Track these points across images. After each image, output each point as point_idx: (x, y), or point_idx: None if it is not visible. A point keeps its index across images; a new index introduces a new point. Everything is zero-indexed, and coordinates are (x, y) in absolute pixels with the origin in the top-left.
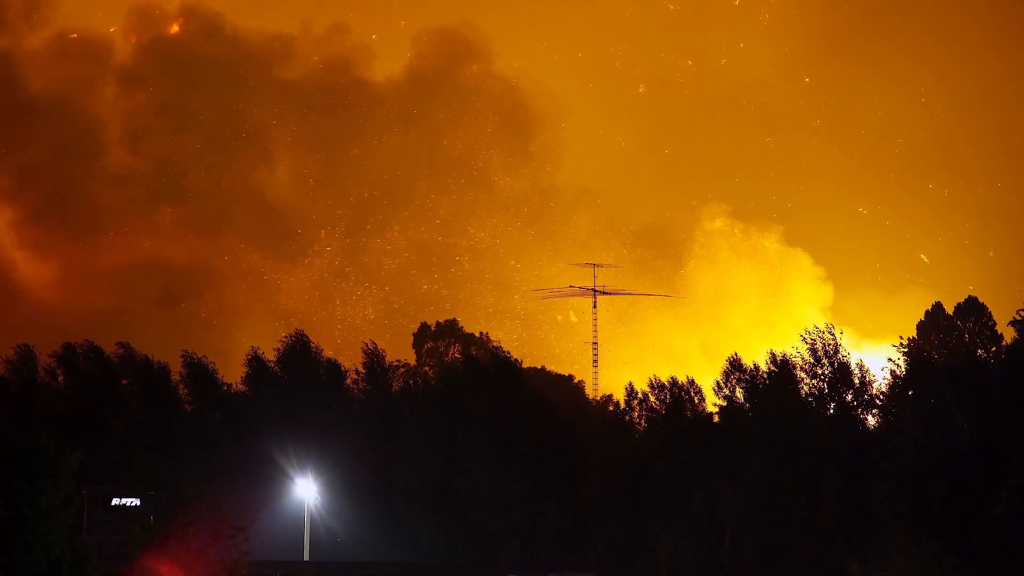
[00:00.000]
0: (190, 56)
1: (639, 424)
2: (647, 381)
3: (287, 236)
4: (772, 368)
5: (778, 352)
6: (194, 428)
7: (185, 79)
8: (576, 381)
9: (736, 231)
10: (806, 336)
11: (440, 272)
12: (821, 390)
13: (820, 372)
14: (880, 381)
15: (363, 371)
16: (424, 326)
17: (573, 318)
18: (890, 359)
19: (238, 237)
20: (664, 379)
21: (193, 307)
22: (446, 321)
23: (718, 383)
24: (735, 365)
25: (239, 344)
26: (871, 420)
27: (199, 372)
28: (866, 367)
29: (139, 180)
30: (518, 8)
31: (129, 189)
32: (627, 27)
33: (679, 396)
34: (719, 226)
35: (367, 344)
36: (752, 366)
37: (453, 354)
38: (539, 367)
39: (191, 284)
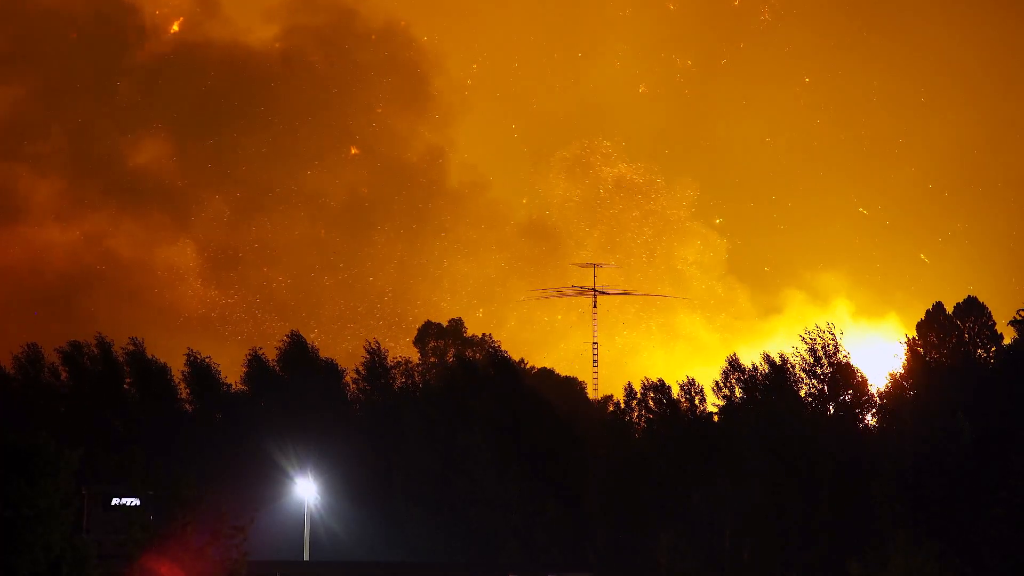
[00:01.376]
0: (58, 37)
1: (639, 424)
2: (645, 381)
3: (174, 216)
4: (769, 369)
5: (775, 353)
6: (194, 428)
7: (55, 61)
8: (580, 383)
9: (735, 229)
10: (806, 336)
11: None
12: (821, 390)
13: (820, 372)
14: (876, 381)
15: (363, 371)
16: (428, 324)
17: (573, 318)
18: (896, 356)
19: (124, 223)
20: (663, 379)
21: (84, 298)
22: (451, 321)
23: (717, 383)
24: (734, 365)
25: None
26: (871, 420)
27: (200, 372)
28: (862, 372)
29: (14, 172)
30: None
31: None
32: (627, 27)
33: (678, 396)
34: (718, 223)
35: (369, 343)
36: (751, 366)
37: (453, 355)
38: (546, 369)
39: (80, 276)
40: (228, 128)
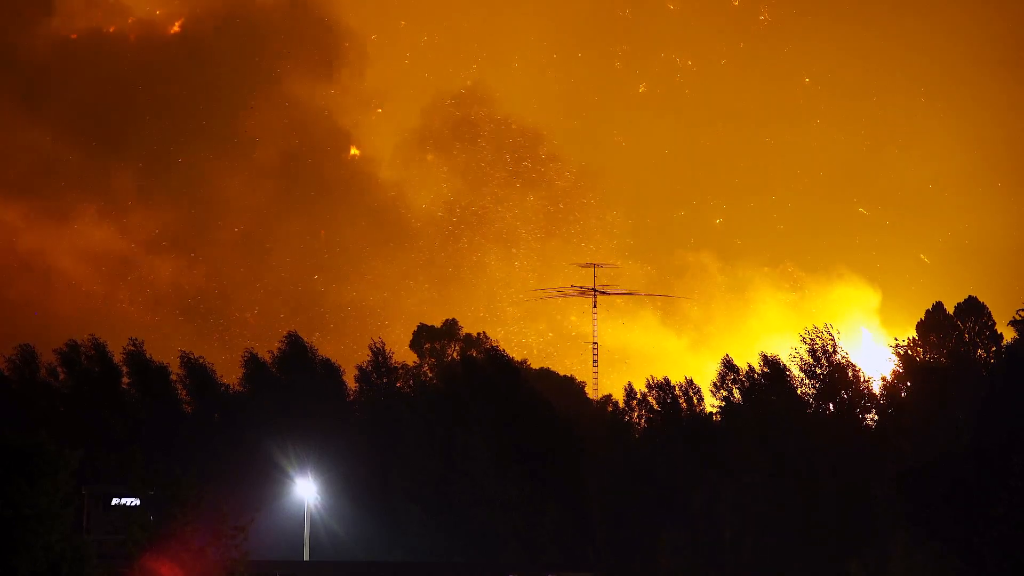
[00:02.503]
0: None
1: (639, 424)
2: (646, 381)
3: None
4: (765, 369)
5: (772, 353)
6: (194, 428)
7: None
8: (579, 383)
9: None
10: (805, 336)
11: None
12: (820, 389)
13: (819, 372)
14: (873, 379)
15: (365, 370)
16: (423, 326)
17: (573, 318)
18: (897, 351)
19: (36, 217)
20: (662, 379)
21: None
22: (445, 322)
23: (715, 384)
24: (729, 366)
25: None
26: (870, 420)
27: (198, 373)
28: (862, 372)
29: None
30: None
31: None
32: (627, 27)
33: (677, 397)
34: (718, 223)
35: (374, 343)
36: (747, 367)
37: (452, 355)
38: (546, 368)
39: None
40: (129, 113)
